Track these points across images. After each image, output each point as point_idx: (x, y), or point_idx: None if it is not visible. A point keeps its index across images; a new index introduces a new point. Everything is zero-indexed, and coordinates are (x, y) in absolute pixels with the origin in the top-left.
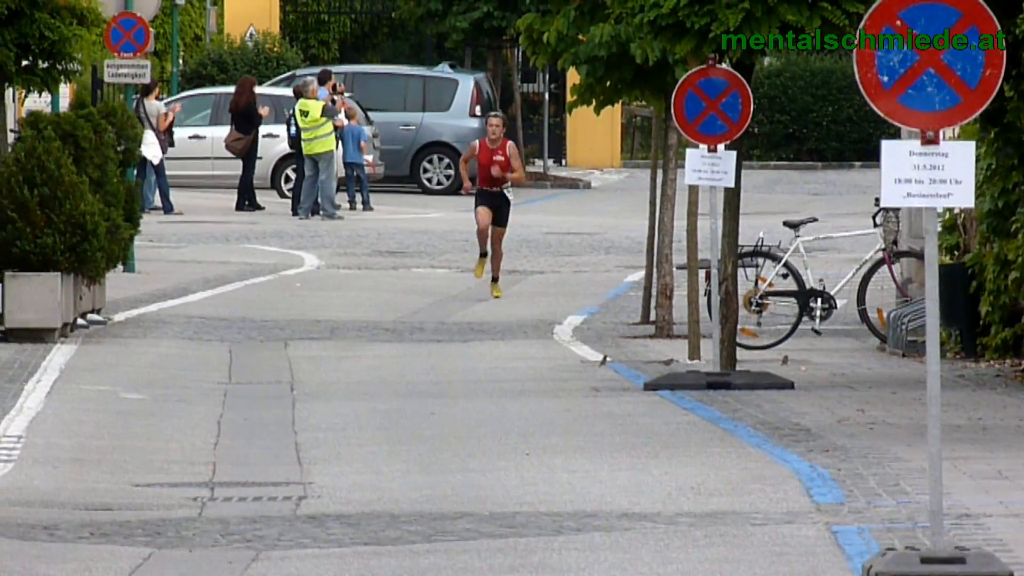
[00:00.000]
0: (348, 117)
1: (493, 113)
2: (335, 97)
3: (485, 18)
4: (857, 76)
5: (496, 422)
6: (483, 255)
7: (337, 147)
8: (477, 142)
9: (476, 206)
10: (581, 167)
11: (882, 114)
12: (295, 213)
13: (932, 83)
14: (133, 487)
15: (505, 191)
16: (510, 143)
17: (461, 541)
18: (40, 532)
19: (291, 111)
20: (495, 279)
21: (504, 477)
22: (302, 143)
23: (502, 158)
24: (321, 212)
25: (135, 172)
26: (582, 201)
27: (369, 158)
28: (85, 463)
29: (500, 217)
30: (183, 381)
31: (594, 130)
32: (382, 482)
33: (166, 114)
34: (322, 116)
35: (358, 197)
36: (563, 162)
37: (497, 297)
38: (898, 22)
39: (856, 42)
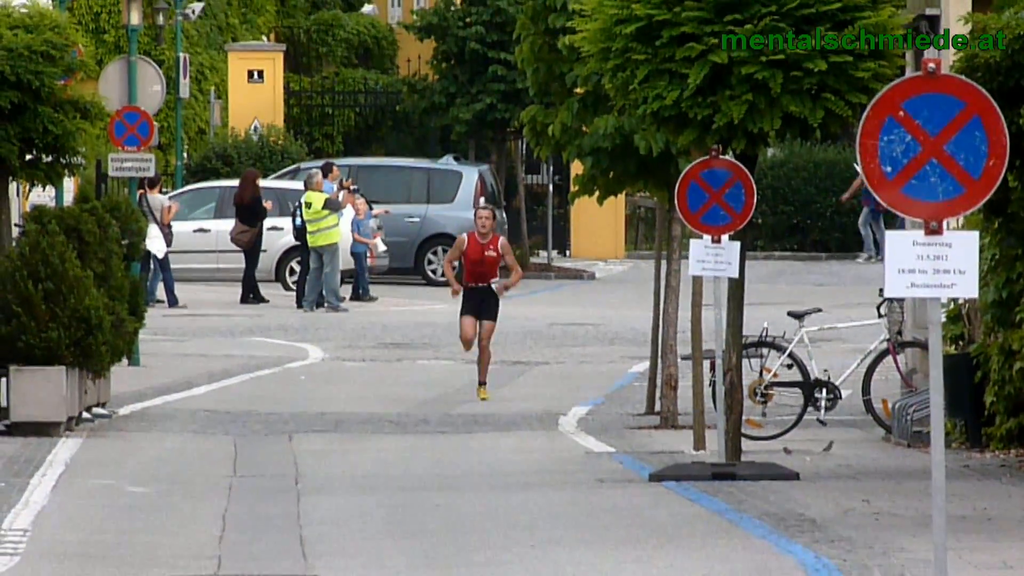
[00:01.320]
0: (355, 211)
1: (483, 205)
2: (344, 191)
3: (488, 110)
4: (860, 167)
5: (501, 515)
6: (482, 383)
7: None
8: (465, 236)
9: (462, 311)
10: (585, 258)
11: (886, 204)
12: (300, 306)
13: (935, 173)
14: None
15: (493, 284)
16: (502, 238)
17: None
18: None
19: (297, 204)
20: (482, 383)
21: (509, 570)
22: (307, 235)
23: (493, 254)
24: (325, 304)
25: (139, 266)
26: (586, 292)
27: (381, 246)
28: (90, 557)
29: (488, 309)
30: (188, 475)
31: (598, 221)
32: None
33: (169, 207)
34: (324, 208)
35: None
36: (567, 253)
37: (484, 400)
38: (901, 112)
39: (859, 132)
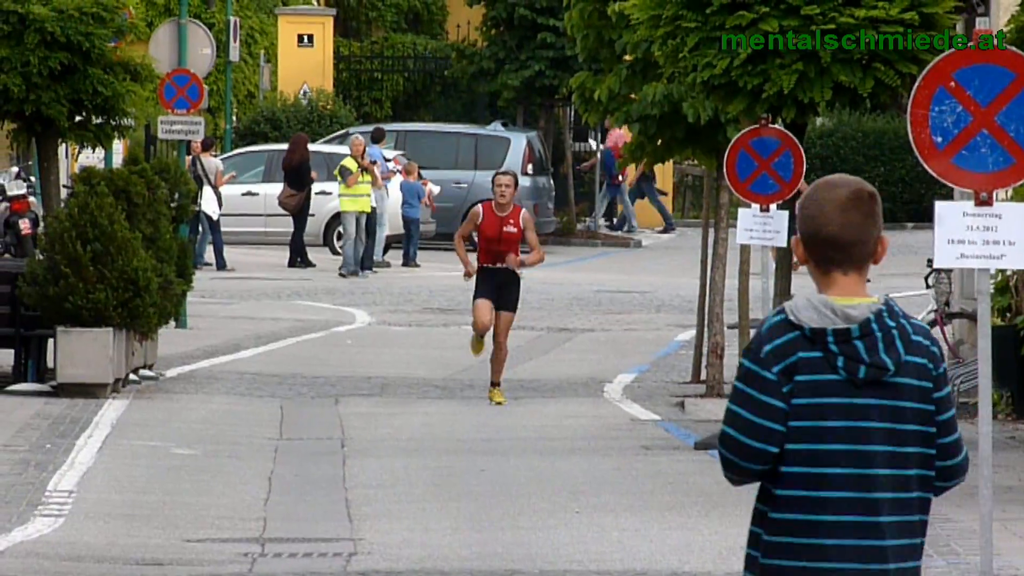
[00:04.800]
0: (407, 173)
1: (502, 171)
2: (382, 159)
3: (537, 76)
4: (911, 137)
5: (546, 480)
6: (495, 384)
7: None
8: (480, 207)
9: (476, 294)
10: None
11: (936, 175)
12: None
13: (986, 144)
14: (184, 542)
15: (512, 266)
16: (524, 211)
17: None
18: None
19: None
20: (495, 383)
21: (554, 535)
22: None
23: (513, 230)
24: (342, 269)
25: (188, 228)
26: (633, 260)
27: (436, 188)
28: (136, 518)
29: (507, 299)
30: (234, 437)
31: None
32: (432, 539)
33: (222, 171)
34: (339, 175)
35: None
36: (614, 220)
37: (499, 404)
38: (952, 83)
39: (910, 103)
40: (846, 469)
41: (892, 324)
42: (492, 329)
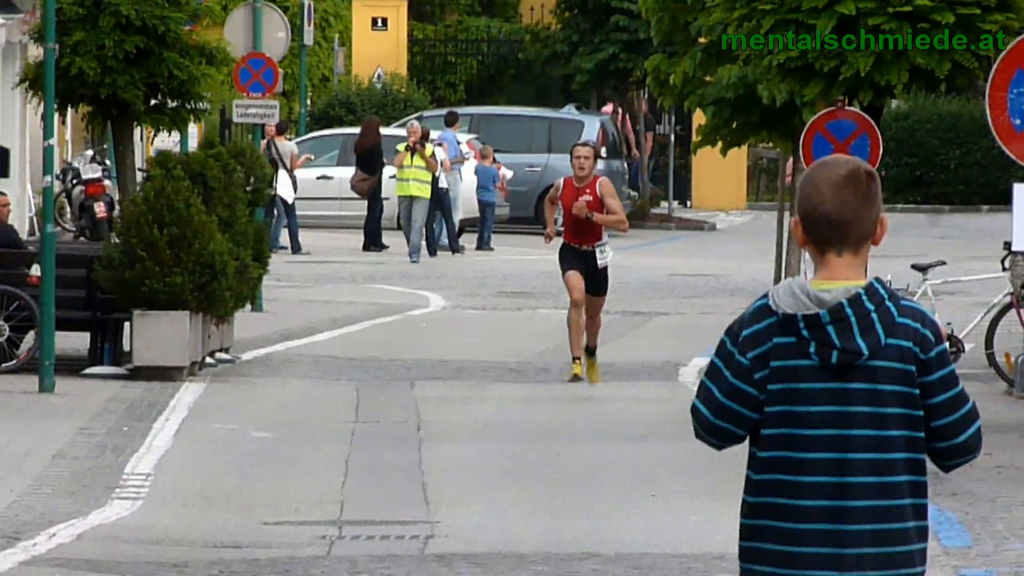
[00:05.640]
0: (482, 157)
1: (581, 142)
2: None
3: (611, 60)
4: (989, 120)
5: (621, 465)
6: (576, 358)
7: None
8: (561, 180)
9: (563, 268)
10: (706, 209)
11: (1014, 157)
12: (431, 253)
13: None
14: (262, 526)
15: (599, 251)
16: (602, 179)
17: None
18: (169, 570)
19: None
20: (591, 350)
21: (630, 520)
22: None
23: (590, 197)
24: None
25: (263, 212)
26: (707, 243)
27: (508, 173)
28: (213, 502)
29: (597, 284)
30: (310, 421)
31: (719, 172)
32: (508, 523)
33: (297, 155)
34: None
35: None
36: (688, 204)
37: (595, 382)
38: None
39: (988, 85)
40: (823, 454)
41: (871, 307)
42: (584, 316)
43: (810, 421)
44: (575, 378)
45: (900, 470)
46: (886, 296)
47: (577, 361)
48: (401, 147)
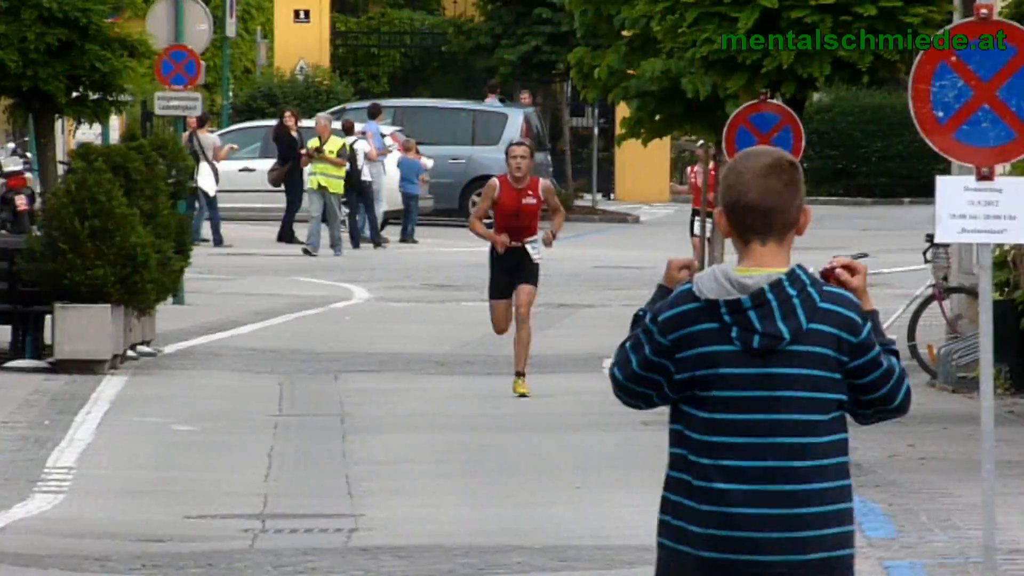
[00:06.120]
0: (405, 149)
1: (517, 141)
2: (378, 135)
3: (534, 52)
4: (912, 112)
5: (548, 456)
6: (520, 374)
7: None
8: (496, 181)
9: (491, 291)
10: (630, 201)
11: (937, 149)
12: (354, 245)
13: (987, 119)
14: (185, 519)
15: (530, 247)
16: (543, 180)
17: (514, 574)
18: (92, 564)
19: (350, 145)
20: (520, 373)
21: (557, 511)
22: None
23: (533, 201)
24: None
25: (185, 204)
26: (631, 235)
27: (429, 163)
28: (136, 495)
29: (526, 274)
30: (234, 413)
31: (643, 164)
32: (434, 515)
33: (219, 146)
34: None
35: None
36: (612, 196)
37: (523, 395)
38: (953, 58)
39: (911, 78)
40: (750, 438)
41: (793, 292)
42: (514, 305)
43: (735, 406)
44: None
45: (826, 453)
46: (808, 282)
47: (520, 378)
48: (312, 142)
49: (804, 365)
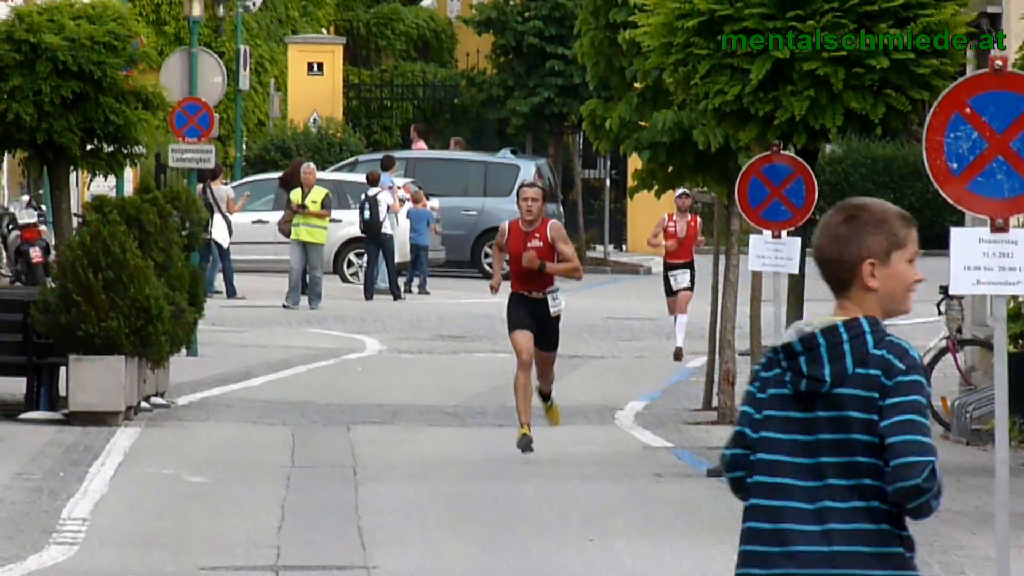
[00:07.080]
0: (415, 201)
1: (528, 183)
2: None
3: (546, 104)
4: (926, 163)
5: (559, 506)
6: (524, 423)
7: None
8: (506, 223)
9: (510, 324)
10: (642, 252)
11: (951, 201)
12: (368, 297)
13: (1001, 171)
14: (198, 570)
15: (550, 298)
16: (552, 222)
17: None
18: None
19: (364, 196)
20: (546, 395)
21: (567, 561)
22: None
23: (540, 243)
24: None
25: (199, 256)
26: (643, 286)
27: (435, 213)
28: (150, 545)
29: (547, 337)
30: (246, 464)
31: (655, 215)
32: (445, 565)
33: (233, 199)
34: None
35: (415, 280)
36: (624, 247)
37: (556, 424)
38: (968, 109)
39: (925, 129)
40: (797, 480)
41: (846, 337)
42: (536, 377)
43: (785, 448)
44: (524, 438)
45: (868, 496)
46: (868, 331)
47: (526, 427)
48: (295, 195)
49: (845, 407)
